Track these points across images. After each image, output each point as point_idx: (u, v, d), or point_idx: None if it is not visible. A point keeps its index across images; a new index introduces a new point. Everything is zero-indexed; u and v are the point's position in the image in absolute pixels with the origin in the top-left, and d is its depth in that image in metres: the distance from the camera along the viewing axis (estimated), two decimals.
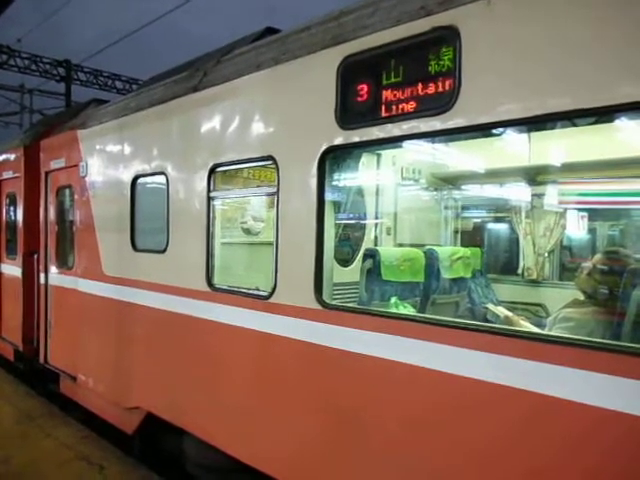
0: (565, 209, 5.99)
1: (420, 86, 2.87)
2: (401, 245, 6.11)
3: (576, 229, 6.25)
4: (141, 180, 5.45)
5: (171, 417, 4.86)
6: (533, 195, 6.05)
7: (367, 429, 3.19)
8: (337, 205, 3.76)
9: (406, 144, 3.71)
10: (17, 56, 20.40)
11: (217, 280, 4.43)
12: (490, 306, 4.98)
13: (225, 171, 4.59)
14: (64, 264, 7.08)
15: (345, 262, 5.95)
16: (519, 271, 6.33)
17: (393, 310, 4.17)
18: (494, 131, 3.16)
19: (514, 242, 6.58)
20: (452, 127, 2.76)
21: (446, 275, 5.02)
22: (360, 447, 3.22)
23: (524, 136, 4.89)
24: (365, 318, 3.26)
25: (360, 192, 5.85)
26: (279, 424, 3.76)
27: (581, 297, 3.49)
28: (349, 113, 3.26)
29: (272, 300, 3.78)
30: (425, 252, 4.99)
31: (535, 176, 5.77)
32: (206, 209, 4.42)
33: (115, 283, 5.73)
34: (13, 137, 10.58)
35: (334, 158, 3.54)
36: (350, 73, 3.26)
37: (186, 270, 4.69)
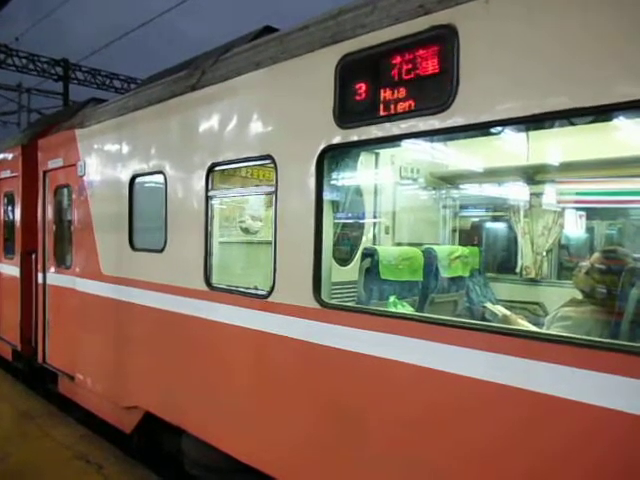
0: (563, 208, 6.00)
1: (418, 85, 2.87)
2: (400, 244, 6.11)
3: (574, 228, 6.26)
4: (139, 179, 5.44)
5: (169, 416, 4.85)
6: (531, 194, 6.06)
7: (366, 428, 3.19)
8: (335, 204, 3.76)
9: (404, 143, 3.70)
10: (15, 55, 20.36)
11: (215, 279, 4.43)
12: (488, 305, 4.98)
13: (223, 170, 4.59)
14: (62, 263, 7.07)
15: (344, 261, 5.95)
16: (517, 270, 6.34)
17: (392, 309, 4.17)
18: (492, 130, 3.16)
19: (512, 241, 6.59)
20: (450, 126, 2.76)
21: (444, 274, 5.03)
22: (358, 446, 3.22)
23: (522, 135, 4.90)
24: (364, 317, 3.26)
25: (359, 191, 5.85)
26: (277, 423, 3.76)
27: (579, 296, 3.49)
28: (347, 112, 3.25)
29: (270, 299, 3.78)
30: (424, 251, 5.00)
31: (533, 175, 5.78)
32: (204, 208, 4.42)
33: (113, 282, 5.72)
34: (11, 136, 10.56)
35: (332, 157, 3.53)
36: (348, 72, 3.25)
37: (184, 269, 4.69)
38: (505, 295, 5.91)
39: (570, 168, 5.21)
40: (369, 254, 4.60)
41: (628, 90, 2.17)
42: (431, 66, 2.81)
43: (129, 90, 14.79)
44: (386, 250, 4.88)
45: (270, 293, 3.78)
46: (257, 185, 5.37)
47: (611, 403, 2.20)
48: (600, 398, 2.23)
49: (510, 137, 4.70)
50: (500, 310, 4.69)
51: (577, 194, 5.95)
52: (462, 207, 6.84)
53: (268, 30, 4.99)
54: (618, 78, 2.21)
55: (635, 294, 2.89)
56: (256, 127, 3.98)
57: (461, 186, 6.53)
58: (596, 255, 3.49)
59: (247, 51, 4.35)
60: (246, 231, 5.91)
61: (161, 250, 4.97)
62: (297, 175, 3.58)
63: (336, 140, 3.32)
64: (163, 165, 4.97)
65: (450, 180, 6.43)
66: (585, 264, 3.45)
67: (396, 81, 2.96)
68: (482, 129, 2.91)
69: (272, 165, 3.81)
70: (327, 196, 3.47)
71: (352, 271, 5.43)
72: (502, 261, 7.02)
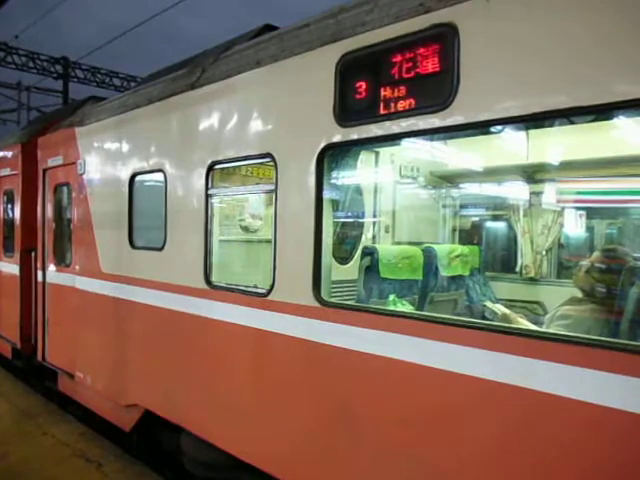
0: (563, 207, 6.01)
1: (419, 83, 2.87)
2: (399, 243, 6.11)
3: (574, 227, 6.27)
4: (139, 178, 5.44)
5: (169, 414, 4.86)
6: (531, 193, 6.06)
7: (365, 426, 3.19)
8: (335, 203, 3.77)
9: (404, 142, 3.70)
10: (14, 53, 20.31)
11: (215, 278, 4.43)
12: (488, 304, 5.00)
13: (223, 169, 4.58)
14: (62, 262, 7.07)
15: (343, 260, 5.96)
16: (517, 269, 6.34)
17: (391, 308, 4.17)
18: (492, 129, 3.16)
19: (512, 240, 6.60)
20: (450, 125, 2.76)
21: (444, 273, 5.03)
22: (357, 444, 3.23)
23: (522, 134, 4.90)
24: (363, 315, 3.26)
25: (358, 190, 5.86)
26: (277, 422, 3.76)
27: (579, 295, 3.49)
28: (347, 110, 3.25)
29: (270, 297, 3.78)
30: (423, 250, 5.00)
31: (533, 174, 5.79)
32: (204, 207, 4.41)
33: (113, 281, 5.72)
34: (10, 134, 10.55)
35: (333, 156, 3.53)
36: (349, 70, 3.25)
37: (184, 268, 4.69)
38: (505, 294, 5.92)
39: (570, 167, 5.22)
40: (369, 253, 4.61)
41: (628, 89, 2.17)
42: (431, 65, 2.81)
43: (129, 88, 14.78)
44: (386, 249, 4.88)
45: (270, 291, 3.78)
46: (257, 183, 5.37)
47: (611, 402, 2.20)
48: (600, 397, 2.23)
49: (510, 136, 4.71)
50: (500, 309, 4.70)
51: (577, 193, 5.96)
52: (462, 206, 6.85)
53: (268, 28, 4.99)
54: (618, 77, 2.22)
55: (635, 293, 2.89)
56: (256, 125, 3.98)
57: (461, 185, 6.54)
58: (596, 254, 3.49)
59: (247, 49, 4.35)
60: (246, 229, 5.92)
61: (161, 248, 4.97)
62: (297, 173, 3.58)
63: (336, 139, 3.32)
64: (163, 163, 4.96)
65: (450, 179, 6.44)
66: (585, 263, 3.46)
67: (396, 79, 2.96)
68: (482, 128, 2.92)
69: (272, 163, 3.81)
70: (327, 194, 3.46)
71: (352, 269, 5.44)
72: (502, 260, 7.04)
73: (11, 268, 8.45)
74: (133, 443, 5.69)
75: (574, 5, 2.37)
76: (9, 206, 8.88)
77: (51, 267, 7.32)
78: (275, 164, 3.76)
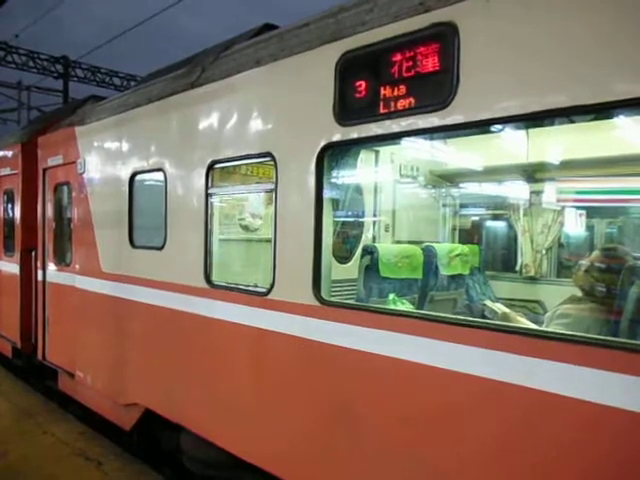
0: (563, 207, 6.01)
1: (418, 82, 2.87)
2: (399, 242, 6.12)
3: (574, 226, 6.27)
4: (139, 177, 5.44)
5: (169, 413, 4.86)
6: (531, 192, 6.07)
7: (365, 425, 3.19)
8: (335, 202, 3.77)
9: (404, 141, 3.70)
10: (14, 52, 20.30)
11: (215, 277, 4.43)
12: (488, 303, 5.00)
13: (223, 168, 4.59)
14: (62, 261, 7.07)
15: (343, 259, 5.96)
16: (517, 268, 6.35)
17: (391, 307, 4.18)
18: (492, 128, 3.16)
19: (512, 239, 6.61)
20: (450, 124, 2.76)
21: (444, 272, 5.04)
22: (357, 443, 3.23)
23: (522, 133, 4.90)
24: (363, 315, 3.26)
25: (358, 189, 5.86)
26: (277, 420, 3.76)
27: (579, 294, 3.49)
28: (347, 109, 3.25)
29: (270, 297, 3.78)
30: (423, 249, 5.00)
31: (533, 173, 5.79)
32: (204, 206, 4.42)
33: (113, 280, 5.72)
34: (10, 134, 10.55)
35: (332, 155, 3.53)
36: (348, 69, 3.25)
37: (184, 267, 4.69)
38: (505, 293, 5.93)
39: (570, 166, 5.21)
40: (369, 252, 4.61)
41: (628, 88, 2.17)
42: (431, 64, 2.81)
43: (129, 87, 14.77)
44: (386, 248, 4.88)
45: (270, 290, 3.78)
46: (257, 183, 5.37)
47: (610, 400, 2.20)
48: (599, 395, 2.24)
49: (510, 135, 4.71)
50: (499, 308, 4.70)
51: (577, 193, 5.96)
52: (462, 205, 6.85)
53: (268, 27, 4.99)
54: (617, 76, 2.22)
55: (634, 292, 2.89)
56: (256, 124, 3.98)
57: (461, 184, 6.54)
58: (595, 253, 3.49)
59: (247, 48, 4.35)
60: (246, 229, 5.92)
61: (161, 247, 4.97)
62: (297, 173, 3.58)
63: (336, 138, 3.32)
64: (163, 162, 4.97)
65: (450, 178, 6.44)
66: (584, 262, 3.46)
67: (396, 79, 2.96)
68: (482, 127, 2.92)
69: (272, 162, 3.81)
70: (327, 194, 3.46)
71: (352, 269, 5.44)
72: (502, 259, 7.04)
73: (11, 267, 8.45)
74: (133, 442, 5.69)
75: (574, 5, 2.37)
76: (9, 206, 8.88)
77: (51, 266, 7.33)
78: (275, 163, 3.76)
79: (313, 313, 3.44)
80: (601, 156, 4.67)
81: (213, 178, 4.44)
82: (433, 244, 5.27)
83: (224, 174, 4.90)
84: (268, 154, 3.84)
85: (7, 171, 8.75)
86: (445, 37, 2.74)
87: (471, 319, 3.16)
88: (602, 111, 2.53)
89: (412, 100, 2.90)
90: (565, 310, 3.36)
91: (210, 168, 4.38)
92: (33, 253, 7.78)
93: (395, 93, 2.96)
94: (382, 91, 3.03)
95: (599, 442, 2.29)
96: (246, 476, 4.19)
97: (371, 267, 4.55)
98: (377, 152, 5.73)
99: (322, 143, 3.38)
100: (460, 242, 6.49)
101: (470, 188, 6.60)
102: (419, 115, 2.88)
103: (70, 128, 6.81)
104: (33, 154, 7.73)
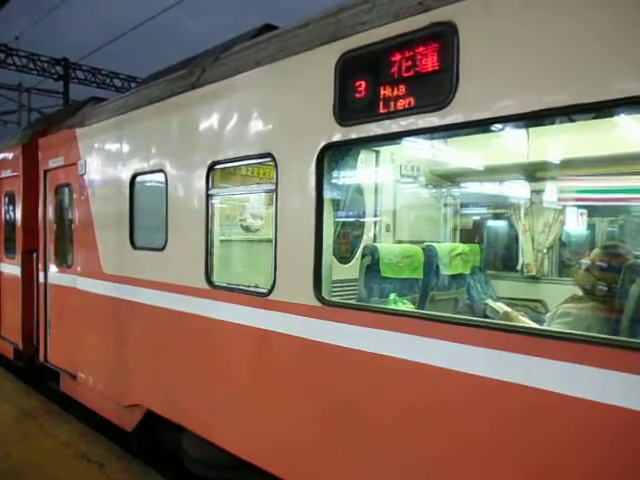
0: (564, 206, 6.01)
1: (418, 82, 2.87)
2: (400, 242, 6.11)
3: (575, 225, 6.26)
4: (140, 178, 5.45)
5: (171, 414, 4.86)
6: (532, 191, 6.06)
7: (366, 425, 3.19)
8: (336, 202, 3.76)
9: (405, 141, 3.70)
10: (15, 54, 20.34)
11: (216, 278, 4.44)
12: (489, 302, 4.98)
13: (224, 168, 4.59)
14: (63, 263, 7.08)
15: (344, 259, 5.96)
16: (518, 267, 6.34)
17: (392, 306, 4.18)
18: (493, 127, 3.16)
19: (513, 238, 6.60)
20: (450, 123, 2.76)
21: (445, 271, 5.03)
22: (358, 443, 3.23)
23: (522, 132, 4.90)
24: (364, 315, 3.26)
25: (359, 189, 5.86)
26: (279, 421, 3.77)
27: (580, 293, 3.49)
28: (347, 109, 3.25)
29: (271, 297, 3.78)
30: (424, 249, 5.00)
31: (534, 172, 5.78)
32: (205, 207, 4.42)
33: (114, 281, 5.73)
34: (11, 136, 10.56)
35: (333, 155, 3.53)
36: (348, 69, 3.25)
37: (185, 268, 4.69)
38: (506, 292, 5.92)
39: (570, 165, 5.21)
40: (370, 252, 4.61)
41: (628, 86, 2.17)
42: (431, 63, 2.81)
43: (130, 89, 14.79)
44: (387, 248, 4.88)
45: (271, 291, 3.78)
46: (257, 183, 5.38)
47: (611, 399, 2.20)
48: (600, 394, 2.23)
49: (510, 134, 4.71)
50: (501, 307, 4.69)
51: (578, 192, 5.95)
52: (463, 205, 6.85)
53: (268, 28, 4.99)
54: (618, 74, 2.21)
55: (635, 291, 2.89)
56: (256, 125, 3.98)
57: (462, 184, 6.54)
58: (596, 251, 3.49)
59: (247, 49, 4.35)
60: (247, 229, 5.92)
61: (162, 249, 4.97)
62: (297, 173, 3.58)
63: (336, 138, 3.33)
64: (163, 164, 4.97)
65: (451, 178, 6.44)
66: (585, 261, 3.45)
67: (396, 78, 2.96)
68: (482, 126, 2.91)
69: (272, 163, 3.81)
70: (327, 194, 3.47)
71: (353, 269, 5.44)
72: (503, 258, 7.03)
73: (13, 269, 8.46)
74: (135, 443, 5.70)
75: (573, 3, 2.37)
76: (10, 207, 8.89)
77: (52, 268, 7.33)
78: (275, 164, 3.76)
79: (314, 313, 3.44)
80: (602, 155, 4.67)
81: (214, 179, 4.45)
82: (434, 244, 5.27)
83: (225, 175, 4.90)
84: (268, 155, 3.84)
85: (8, 173, 8.76)
86: (444, 37, 2.74)
87: (472, 318, 3.16)
88: (603, 110, 2.52)
89: (412, 100, 2.90)
90: (566, 309, 3.36)
91: (211, 169, 4.39)
92: (34, 255, 7.79)
93: (395, 93, 2.96)
94: (382, 91, 3.03)
95: (599, 441, 2.28)
96: (248, 477, 4.19)
97: (372, 267, 4.55)
98: (377, 152, 5.73)
99: (322, 143, 3.38)
100: (461, 242, 6.49)
101: (471, 188, 6.59)
102: (419, 115, 2.88)
103: (71, 130, 6.81)
104: (34, 156, 7.74)
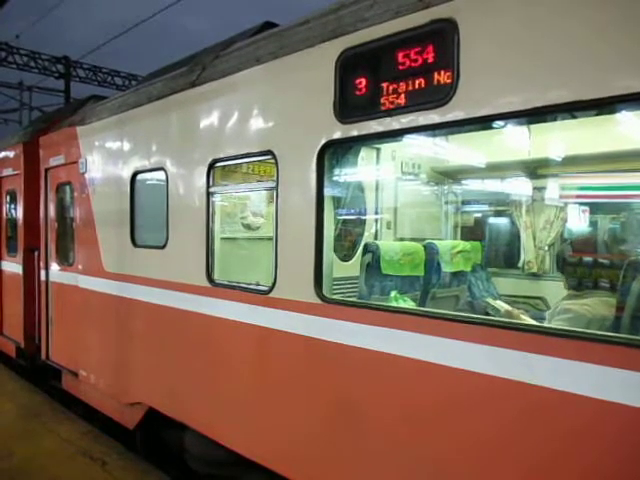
0: (565, 203, 5.99)
1: (419, 79, 2.86)
2: (401, 239, 6.11)
3: (576, 222, 6.24)
4: (140, 176, 5.45)
5: (172, 412, 4.87)
6: (533, 189, 6.05)
7: (367, 422, 3.20)
8: (337, 200, 3.76)
9: (405, 138, 3.69)
10: (16, 53, 20.31)
11: (217, 275, 4.44)
12: (490, 300, 4.98)
13: (224, 166, 4.58)
14: (65, 261, 7.09)
15: (345, 257, 5.96)
16: (520, 265, 6.33)
17: (393, 304, 4.17)
18: (494, 124, 3.15)
19: (515, 236, 6.58)
20: (451, 120, 2.75)
21: (446, 269, 5.02)
22: (359, 440, 3.23)
23: (524, 129, 4.88)
24: (365, 312, 3.26)
25: (360, 186, 5.85)
26: (280, 419, 3.77)
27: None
28: (348, 107, 3.24)
29: (272, 295, 3.78)
30: (425, 246, 4.99)
31: (535, 169, 5.77)
32: (205, 204, 4.42)
33: (115, 279, 5.73)
34: (12, 134, 10.57)
35: (333, 152, 3.53)
36: (349, 66, 3.24)
37: (186, 265, 4.69)
38: (507, 290, 5.91)
39: (572, 162, 5.19)
40: (370, 249, 4.60)
41: (629, 83, 2.16)
42: (431, 60, 2.80)
43: (130, 87, 14.78)
44: (387, 245, 4.87)
45: (272, 289, 3.78)
46: (258, 181, 5.37)
47: (613, 396, 2.20)
48: (602, 391, 2.23)
49: (511, 131, 4.69)
50: (502, 305, 4.70)
51: (579, 189, 5.94)
52: (464, 202, 6.83)
53: (268, 25, 4.98)
54: (619, 71, 2.20)
55: (636, 288, 2.88)
56: (257, 123, 3.98)
57: (463, 181, 6.53)
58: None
59: (247, 47, 4.34)
60: (248, 227, 5.92)
61: (163, 246, 4.97)
62: (298, 171, 3.58)
63: (337, 135, 3.32)
64: (164, 161, 4.97)
65: (452, 175, 6.43)
66: (587, 259, 3.45)
67: (396, 75, 2.95)
68: (483, 123, 2.91)
69: (273, 161, 3.81)
70: (328, 191, 3.46)
71: (354, 266, 5.44)
72: (504, 256, 7.02)
73: (14, 267, 8.48)
74: (137, 441, 5.71)
75: (574, 1, 2.36)
76: (12, 206, 8.91)
77: (54, 266, 7.35)
78: (276, 161, 3.76)
79: (315, 311, 3.44)
80: (604, 152, 4.65)
81: (214, 177, 4.45)
82: (435, 241, 5.26)
83: (225, 173, 4.89)
84: (269, 152, 3.83)
85: (9, 171, 8.77)
86: (445, 33, 2.73)
87: (473, 316, 3.16)
88: (604, 106, 2.51)
89: (412, 97, 2.89)
90: (566, 306, 3.37)
91: (211, 167, 4.38)
92: (36, 253, 7.80)
93: (395, 90, 2.95)
94: (382, 88, 3.02)
95: (600, 438, 2.28)
96: (250, 475, 4.19)
97: (373, 265, 4.54)
98: (378, 149, 5.72)
99: (323, 141, 3.38)
100: (462, 239, 6.48)
101: (472, 185, 6.58)
102: (420, 112, 2.87)
103: (71, 128, 6.81)
104: (35, 154, 7.74)
